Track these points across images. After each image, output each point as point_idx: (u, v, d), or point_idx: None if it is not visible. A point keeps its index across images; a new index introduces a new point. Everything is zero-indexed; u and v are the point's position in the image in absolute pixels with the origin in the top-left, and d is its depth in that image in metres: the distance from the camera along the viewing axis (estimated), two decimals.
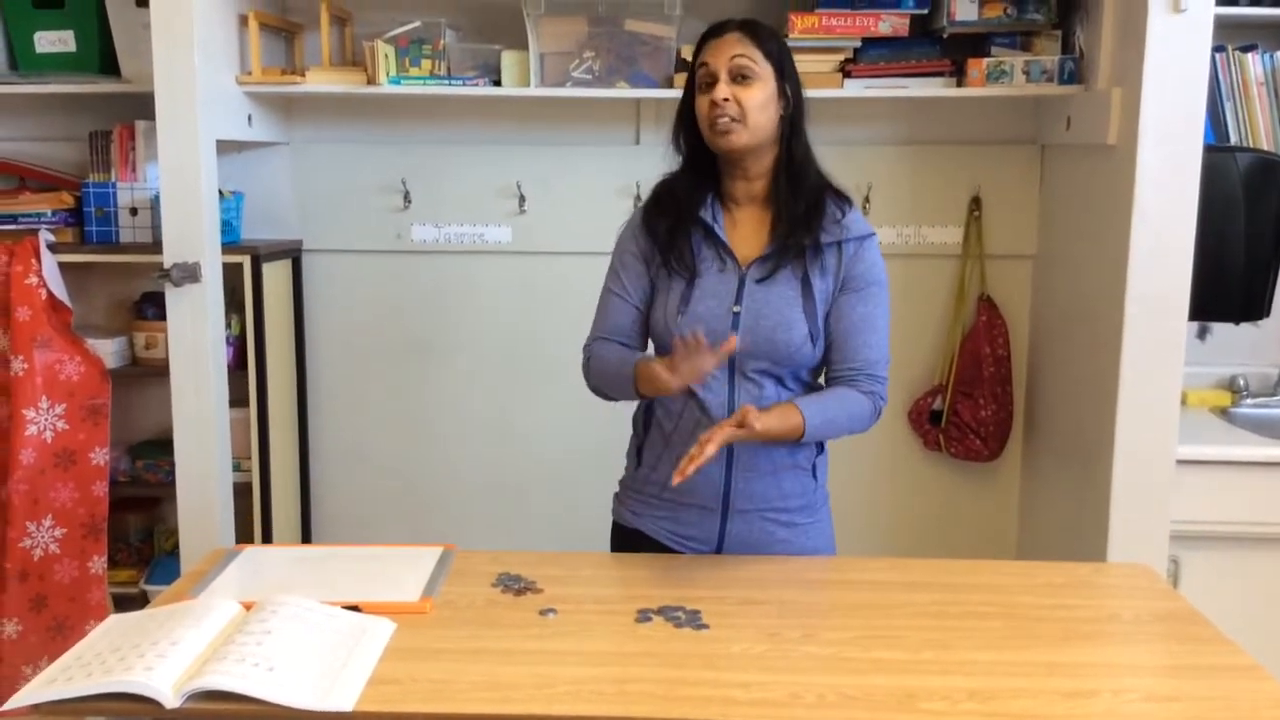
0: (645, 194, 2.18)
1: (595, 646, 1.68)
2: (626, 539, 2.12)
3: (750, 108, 1.95)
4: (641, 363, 1.97)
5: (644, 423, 2.14)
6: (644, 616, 1.76)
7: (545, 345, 3.27)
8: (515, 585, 1.88)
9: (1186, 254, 2.58)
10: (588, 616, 1.77)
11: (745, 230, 2.04)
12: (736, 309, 1.98)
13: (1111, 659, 1.68)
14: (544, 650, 1.66)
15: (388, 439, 3.45)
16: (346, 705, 1.47)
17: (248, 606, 1.72)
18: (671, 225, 2.03)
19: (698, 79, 2.01)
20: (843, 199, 2.06)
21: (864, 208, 3.24)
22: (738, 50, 1.96)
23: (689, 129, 2.06)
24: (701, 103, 1.99)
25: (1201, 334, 3.16)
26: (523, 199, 3.28)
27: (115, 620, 1.71)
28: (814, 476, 2.09)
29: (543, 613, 1.78)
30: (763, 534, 2.05)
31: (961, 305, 3.28)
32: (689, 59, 2.92)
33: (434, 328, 3.39)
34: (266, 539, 3.19)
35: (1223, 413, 3.17)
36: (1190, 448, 2.73)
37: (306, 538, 3.44)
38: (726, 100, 1.94)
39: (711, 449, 1.81)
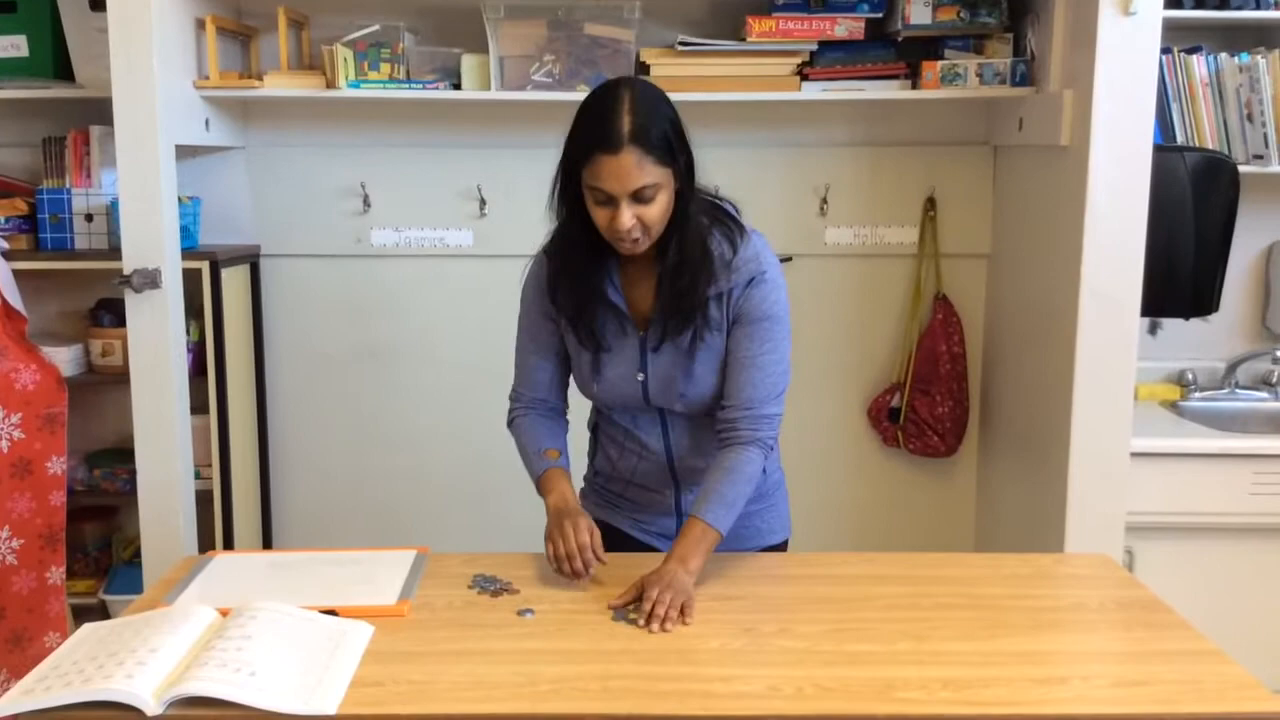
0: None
1: (575, 645, 1.69)
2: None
3: (654, 222, 1.84)
4: (547, 485, 2.00)
5: (593, 438, 2.20)
6: (620, 615, 1.78)
7: (507, 349, 3.26)
8: (491, 586, 1.89)
9: (1138, 251, 2.64)
10: (565, 616, 1.79)
11: (641, 287, 1.98)
12: (641, 376, 2.00)
13: (1079, 646, 1.72)
14: (524, 649, 1.67)
15: (349, 445, 3.44)
16: (330, 708, 1.48)
17: (224, 613, 1.72)
18: (577, 303, 1.98)
19: (590, 192, 1.84)
20: (734, 230, 1.95)
21: (821, 208, 3.29)
22: (635, 176, 1.79)
23: (575, 203, 1.90)
24: (600, 215, 1.85)
25: (1152, 329, 3.23)
26: (484, 202, 3.28)
27: (90, 629, 1.70)
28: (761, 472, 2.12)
29: (520, 613, 1.79)
30: None
31: (918, 304, 3.33)
32: (645, 63, 2.97)
33: (395, 332, 3.39)
34: (228, 547, 3.17)
35: (1172, 406, 3.25)
36: (1142, 440, 2.79)
37: (268, 545, 3.42)
38: (632, 224, 1.83)
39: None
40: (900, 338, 3.37)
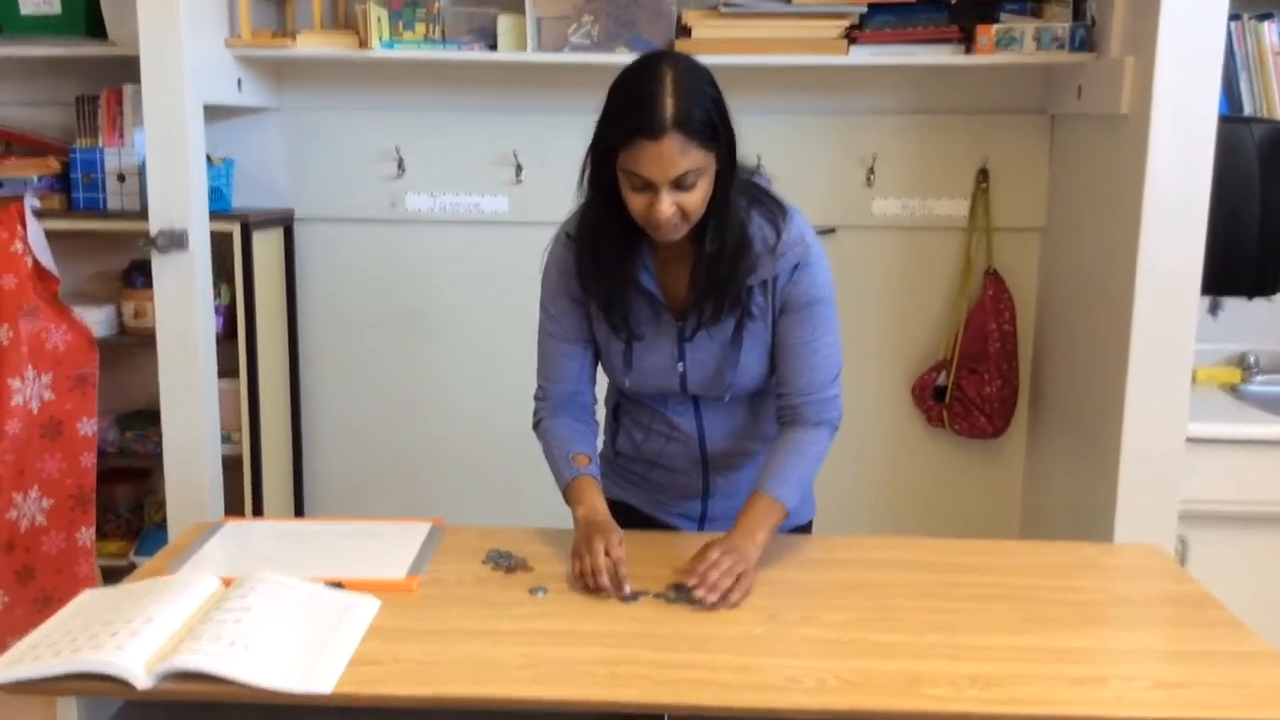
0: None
1: (585, 626, 1.62)
2: (615, 510, 2.07)
3: (694, 209, 1.73)
4: (576, 495, 1.87)
5: (614, 417, 2.09)
6: (633, 596, 1.70)
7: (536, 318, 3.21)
8: (506, 562, 1.82)
9: (1200, 227, 2.52)
10: (578, 596, 1.72)
11: (676, 272, 1.86)
12: (680, 367, 1.90)
13: (1120, 644, 1.62)
14: (533, 630, 1.60)
15: (381, 411, 3.39)
16: (325, 687, 1.42)
17: (227, 582, 1.66)
18: (609, 291, 1.86)
19: (626, 176, 1.72)
20: (775, 211, 1.85)
21: (868, 179, 3.17)
22: (677, 162, 1.67)
23: (607, 186, 1.77)
24: (636, 202, 1.73)
25: (1213, 309, 3.09)
26: (520, 168, 3.21)
27: (89, 596, 1.66)
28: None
29: (533, 591, 1.72)
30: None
31: (968, 279, 3.21)
32: (687, 25, 2.85)
33: (429, 299, 3.33)
34: (257, 512, 3.14)
35: (1232, 390, 3.10)
36: (1199, 425, 2.66)
37: (299, 511, 3.39)
38: (672, 212, 1.71)
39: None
40: (948, 314, 3.26)
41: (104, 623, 1.51)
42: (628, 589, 1.70)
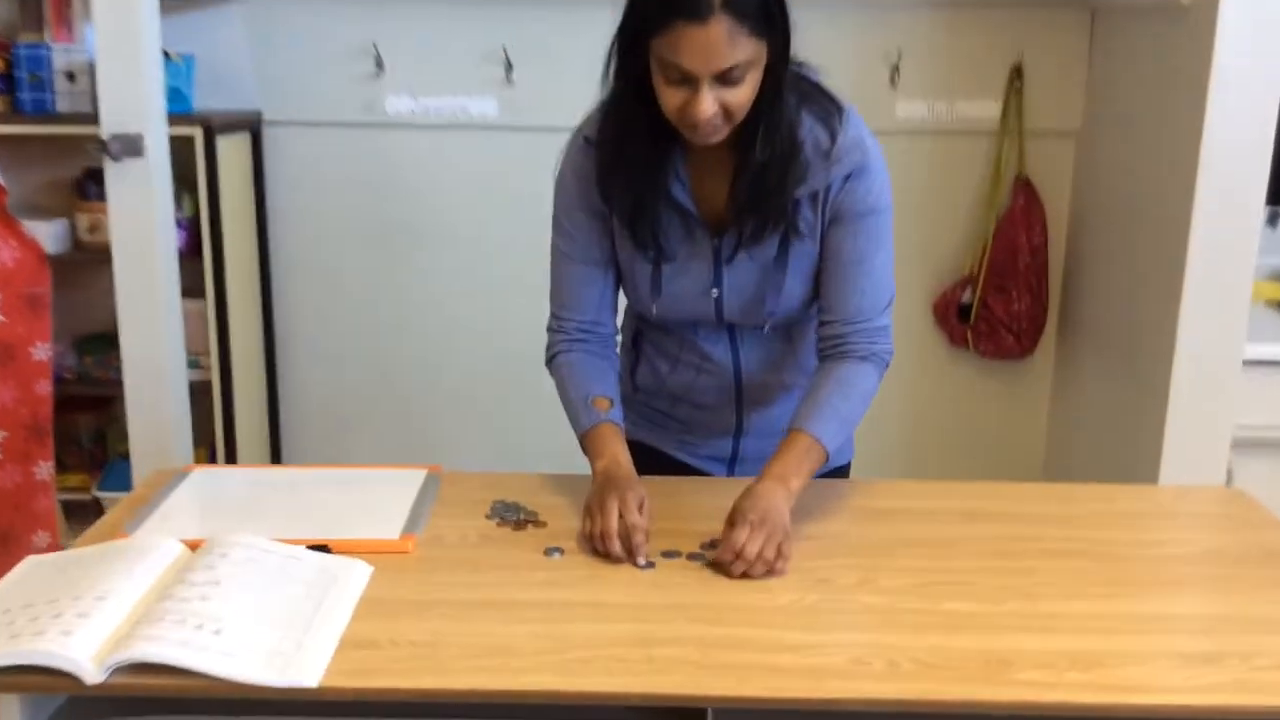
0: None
1: (612, 597, 1.39)
2: (634, 453, 1.83)
3: (739, 108, 1.48)
4: (596, 445, 1.63)
5: (633, 348, 1.84)
6: (649, 565, 1.48)
7: (537, 232, 2.94)
8: (514, 516, 1.59)
9: (1269, 131, 2.30)
10: (600, 558, 1.49)
11: (712, 182, 1.62)
12: (715, 292, 1.66)
13: (1228, 610, 1.41)
14: (551, 602, 1.38)
15: (363, 334, 3.15)
16: (310, 680, 1.19)
17: (193, 546, 1.43)
18: (635, 201, 1.60)
19: (661, 67, 1.47)
20: (830, 109, 1.59)
21: (892, 78, 2.91)
22: (724, 53, 1.42)
23: (636, 78, 1.52)
24: (671, 97, 1.47)
25: (1272, 220, 2.86)
26: (510, 66, 2.93)
27: (32, 564, 1.42)
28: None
29: (548, 552, 1.50)
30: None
31: (997, 188, 2.98)
32: None
33: (412, 211, 3.07)
34: (229, 443, 2.91)
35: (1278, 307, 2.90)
36: (1250, 346, 2.47)
37: (275, 442, 3.16)
38: (714, 111, 1.47)
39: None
40: (975, 226, 3.03)
41: (48, 600, 1.28)
42: (642, 559, 1.48)
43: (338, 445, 3.20)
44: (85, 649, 1.19)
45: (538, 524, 1.58)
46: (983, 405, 3.16)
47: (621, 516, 1.49)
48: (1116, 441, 2.72)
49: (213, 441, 2.92)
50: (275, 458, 3.16)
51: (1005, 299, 2.97)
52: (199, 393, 2.84)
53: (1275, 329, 2.71)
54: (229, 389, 2.90)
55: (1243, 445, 2.53)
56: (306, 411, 3.19)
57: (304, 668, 1.21)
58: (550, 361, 1.75)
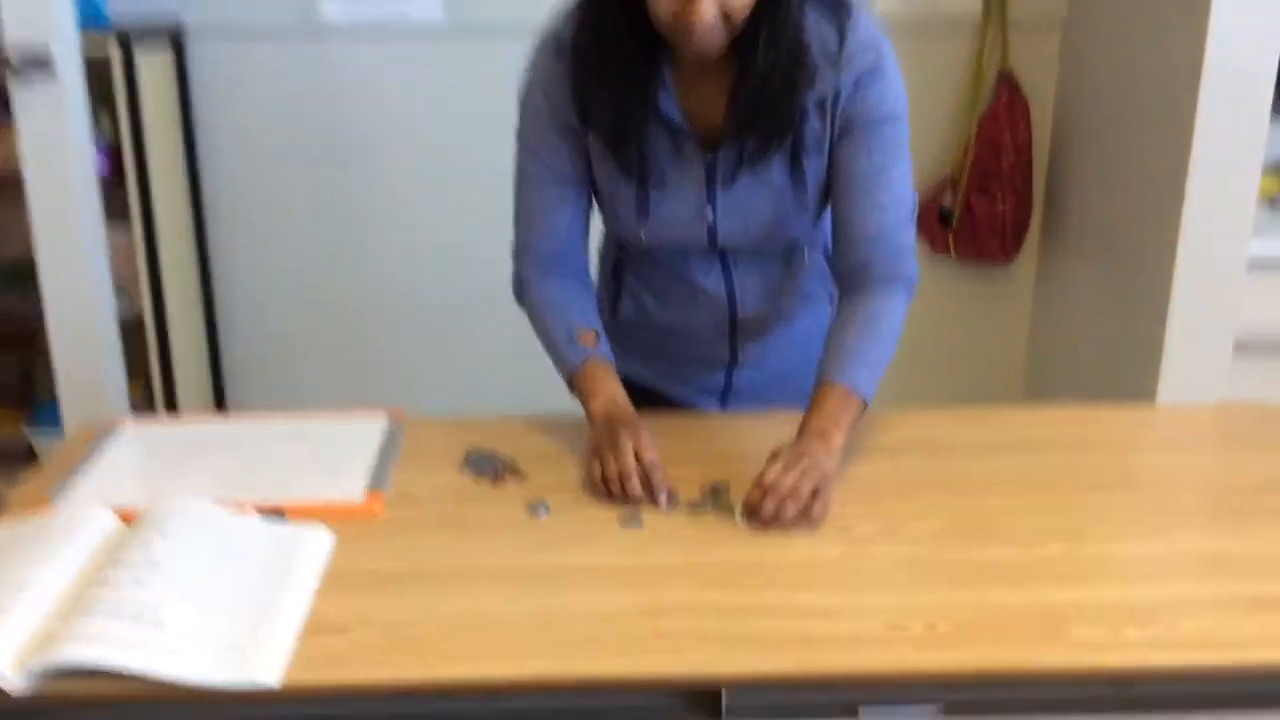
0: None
1: (610, 558, 1.24)
2: None
3: (739, 10, 1.30)
4: (588, 384, 1.47)
5: (613, 279, 1.66)
6: (671, 501, 1.33)
7: (492, 147, 2.72)
8: (491, 468, 1.43)
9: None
10: (592, 512, 1.33)
11: (703, 92, 1.43)
12: (710, 217, 1.47)
13: None
14: (542, 569, 1.22)
15: (309, 263, 2.95)
16: (270, 678, 1.03)
17: (127, 518, 1.26)
18: (618, 120, 1.42)
19: None
20: (838, 9, 1.40)
21: None
22: None
23: None
24: (662, 2, 1.30)
25: (1277, 110, 2.71)
26: None
27: None
28: (830, 305, 1.64)
29: (533, 509, 1.34)
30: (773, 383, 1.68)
31: (979, 85, 2.80)
32: None
33: (355, 128, 2.85)
34: (167, 382, 2.71)
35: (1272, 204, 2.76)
36: (1256, 242, 2.34)
37: (217, 381, 2.95)
38: (713, 16, 1.29)
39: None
40: (955, 126, 2.85)
41: None
42: (663, 500, 1.32)
43: (286, 383, 3.00)
44: (3, 651, 1.02)
45: (518, 474, 1.42)
46: (962, 314, 3.03)
47: (637, 456, 1.34)
48: (1107, 348, 2.60)
49: (148, 381, 2.72)
50: (219, 398, 2.96)
51: (989, 200, 2.82)
52: (132, 330, 2.63)
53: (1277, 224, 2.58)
54: (164, 324, 2.69)
55: (1243, 348, 2.42)
56: (250, 348, 2.99)
57: (262, 663, 1.04)
58: (520, 295, 1.57)
